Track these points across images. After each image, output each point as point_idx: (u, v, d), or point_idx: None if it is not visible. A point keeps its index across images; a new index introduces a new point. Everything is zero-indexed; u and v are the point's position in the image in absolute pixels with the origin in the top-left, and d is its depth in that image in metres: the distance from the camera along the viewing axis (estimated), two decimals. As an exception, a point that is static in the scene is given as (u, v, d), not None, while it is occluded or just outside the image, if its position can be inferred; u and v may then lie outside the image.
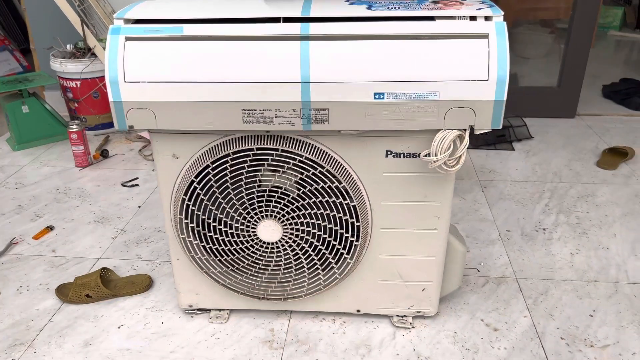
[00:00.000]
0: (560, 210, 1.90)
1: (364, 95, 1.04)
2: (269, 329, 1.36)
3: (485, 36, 1.03)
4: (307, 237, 1.23)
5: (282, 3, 1.17)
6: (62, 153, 2.40)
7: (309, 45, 1.03)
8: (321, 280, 1.28)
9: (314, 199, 1.18)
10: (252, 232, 1.23)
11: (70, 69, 2.45)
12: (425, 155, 1.13)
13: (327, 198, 1.18)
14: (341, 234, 1.22)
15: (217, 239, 1.24)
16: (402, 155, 1.16)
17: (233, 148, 1.14)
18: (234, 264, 1.28)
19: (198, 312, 1.41)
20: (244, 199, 1.19)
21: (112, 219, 1.87)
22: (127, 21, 1.08)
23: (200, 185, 1.18)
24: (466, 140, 1.09)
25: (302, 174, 1.16)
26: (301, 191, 1.18)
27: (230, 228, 1.23)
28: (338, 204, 1.19)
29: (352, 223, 1.21)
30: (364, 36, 1.03)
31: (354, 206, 1.19)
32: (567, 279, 1.54)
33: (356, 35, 1.04)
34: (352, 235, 1.22)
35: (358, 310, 1.37)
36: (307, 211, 1.20)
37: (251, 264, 1.28)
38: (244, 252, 1.26)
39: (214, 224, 1.22)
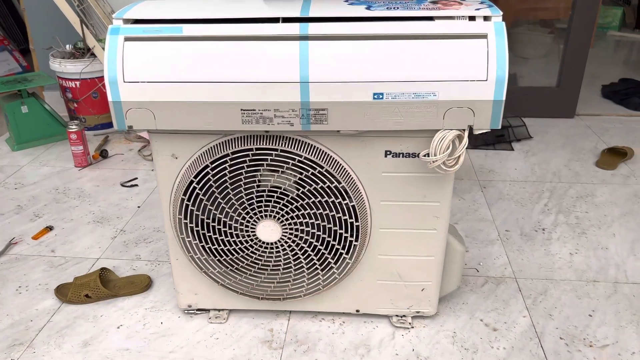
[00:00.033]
0: (560, 210, 1.90)
1: (363, 95, 1.04)
2: (268, 329, 1.36)
3: (484, 36, 1.03)
4: (306, 237, 1.23)
5: (281, 3, 1.17)
6: (61, 153, 2.40)
7: (308, 46, 1.03)
8: (320, 280, 1.29)
9: (313, 199, 1.18)
10: (252, 232, 1.23)
11: (69, 69, 2.44)
12: (425, 155, 1.13)
13: (327, 198, 1.18)
14: (340, 234, 1.22)
15: (216, 239, 1.24)
16: (401, 155, 1.16)
17: (232, 148, 1.14)
18: (233, 264, 1.28)
19: (197, 312, 1.41)
20: (243, 199, 1.19)
21: (112, 219, 1.87)
22: (127, 21, 1.08)
23: (200, 185, 1.18)
24: (465, 140, 1.09)
25: (301, 174, 1.16)
26: (300, 191, 1.18)
27: (230, 228, 1.23)
28: (337, 204, 1.19)
29: (351, 223, 1.21)
30: (363, 36, 1.03)
31: (353, 206, 1.19)
32: (566, 279, 1.54)
33: (355, 35, 1.04)
34: (352, 235, 1.22)
35: (357, 310, 1.37)
36: (307, 211, 1.20)
37: (250, 264, 1.28)
38: (243, 252, 1.26)
39: (213, 224, 1.22)
